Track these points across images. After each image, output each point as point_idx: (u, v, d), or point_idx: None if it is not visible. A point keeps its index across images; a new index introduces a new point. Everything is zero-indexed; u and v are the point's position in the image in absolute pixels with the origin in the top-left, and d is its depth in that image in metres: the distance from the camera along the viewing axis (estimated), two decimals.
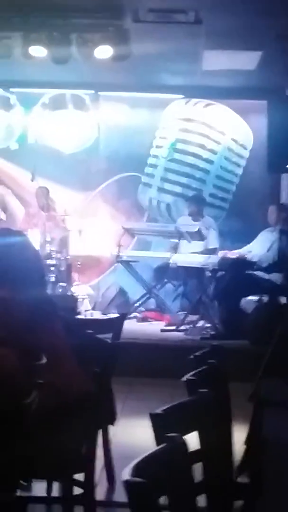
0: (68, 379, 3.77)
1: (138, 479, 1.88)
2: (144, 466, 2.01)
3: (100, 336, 4.66)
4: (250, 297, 9.51)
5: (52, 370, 3.71)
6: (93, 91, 12.10)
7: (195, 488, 2.39)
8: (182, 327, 9.68)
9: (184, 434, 2.45)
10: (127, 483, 1.86)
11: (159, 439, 2.44)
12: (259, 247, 9.98)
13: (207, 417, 2.80)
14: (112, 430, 5.16)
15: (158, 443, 2.40)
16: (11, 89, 12.20)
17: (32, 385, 3.08)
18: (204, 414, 2.81)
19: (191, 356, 3.86)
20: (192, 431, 2.72)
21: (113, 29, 9.04)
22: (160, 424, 2.54)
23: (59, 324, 4.04)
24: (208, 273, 9.71)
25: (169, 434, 2.27)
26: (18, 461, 3.24)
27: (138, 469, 1.96)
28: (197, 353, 3.91)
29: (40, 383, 3.21)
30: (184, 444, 2.31)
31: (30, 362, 3.37)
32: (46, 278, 4.43)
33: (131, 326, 8.90)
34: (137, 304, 10.72)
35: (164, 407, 2.67)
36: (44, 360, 3.62)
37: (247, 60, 10.23)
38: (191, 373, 3.39)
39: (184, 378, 3.29)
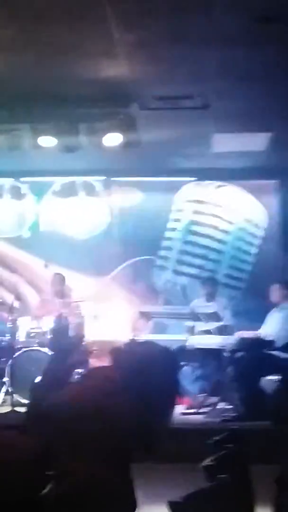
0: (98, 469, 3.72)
1: None
2: None
3: None
4: (269, 377, 9.37)
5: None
6: (104, 177, 12.23)
7: None
8: (202, 410, 9.54)
9: None
10: None
11: None
12: (269, 327, 9.84)
13: (227, 504, 2.73)
14: None
15: None
16: (21, 179, 12.35)
17: (47, 475, 3.01)
18: (223, 500, 2.74)
19: (209, 441, 3.80)
20: None
21: (121, 117, 9.12)
22: None
23: None
24: (226, 354, 9.60)
25: None
26: None
27: None
28: (215, 438, 3.85)
29: (56, 474, 3.14)
30: None
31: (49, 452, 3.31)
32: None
33: None
34: None
35: (183, 495, 2.61)
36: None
37: (257, 141, 10.34)
38: (210, 458, 3.34)
39: (203, 464, 3.24)
